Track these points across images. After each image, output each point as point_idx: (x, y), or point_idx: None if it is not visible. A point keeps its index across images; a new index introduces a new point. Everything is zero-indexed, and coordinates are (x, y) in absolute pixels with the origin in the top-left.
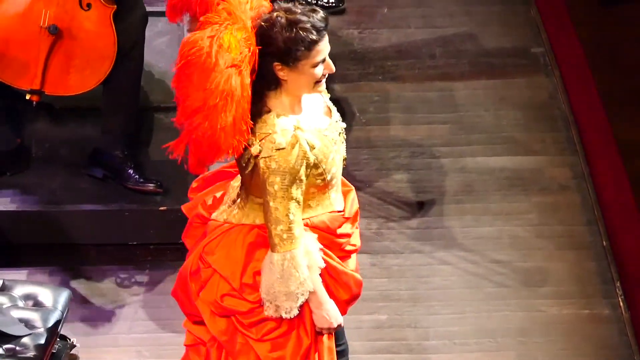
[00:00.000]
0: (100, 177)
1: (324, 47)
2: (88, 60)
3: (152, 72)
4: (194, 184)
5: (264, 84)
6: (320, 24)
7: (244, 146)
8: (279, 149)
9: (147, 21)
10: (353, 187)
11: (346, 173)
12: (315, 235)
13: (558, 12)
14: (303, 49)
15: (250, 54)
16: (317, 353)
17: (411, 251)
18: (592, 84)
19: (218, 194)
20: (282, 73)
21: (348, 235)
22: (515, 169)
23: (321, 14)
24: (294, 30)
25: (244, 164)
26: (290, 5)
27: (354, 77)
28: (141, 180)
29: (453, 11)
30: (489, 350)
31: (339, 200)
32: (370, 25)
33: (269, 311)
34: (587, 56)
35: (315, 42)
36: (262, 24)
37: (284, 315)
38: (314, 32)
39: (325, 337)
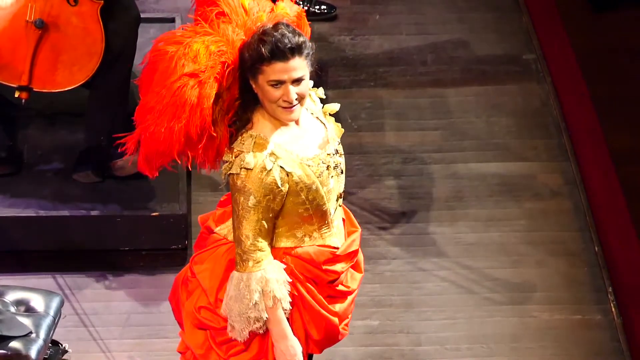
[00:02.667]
0: (89, 172)
1: (281, 68)
2: (76, 55)
3: None
4: (223, 197)
5: (249, 99)
6: (289, 45)
7: (221, 162)
8: (246, 169)
9: (140, 22)
10: (359, 229)
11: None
12: (284, 266)
13: (550, 19)
14: (259, 64)
15: (221, 67)
16: None
17: (403, 257)
18: (584, 90)
19: (228, 209)
20: (254, 86)
21: (337, 273)
22: (507, 176)
23: (299, 38)
24: (258, 42)
25: (223, 179)
26: (276, 23)
27: (346, 83)
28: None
29: (445, 18)
30: (481, 355)
31: (336, 237)
32: (362, 31)
33: (228, 329)
34: (579, 63)
35: (268, 60)
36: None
37: (236, 337)
38: (275, 50)
39: None
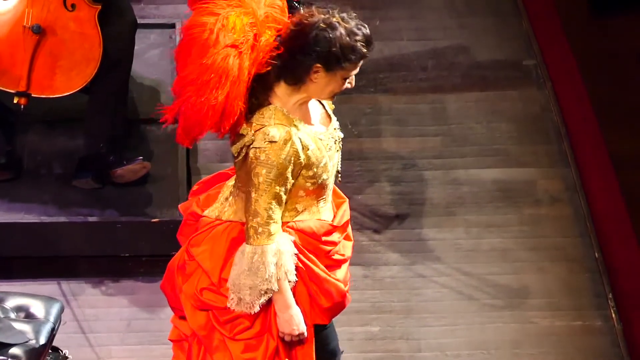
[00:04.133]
0: (89, 179)
1: (359, 66)
2: (74, 61)
3: (143, 83)
4: (194, 187)
5: (282, 76)
6: (370, 40)
7: (237, 135)
8: (271, 142)
9: (137, 27)
10: (347, 199)
11: (338, 184)
12: (293, 238)
13: (550, 24)
14: (353, 59)
15: (252, 39)
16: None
17: (403, 263)
18: (585, 96)
19: (212, 192)
20: (316, 75)
21: (334, 243)
22: (507, 181)
23: (367, 30)
24: (353, 39)
25: (235, 153)
26: (344, 14)
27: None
28: (124, 162)
29: (445, 24)
30: None
31: (328, 211)
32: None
33: (231, 303)
34: (579, 68)
35: (364, 57)
36: (321, 24)
37: (244, 310)
38: (367, 47)
39: (300, 342)
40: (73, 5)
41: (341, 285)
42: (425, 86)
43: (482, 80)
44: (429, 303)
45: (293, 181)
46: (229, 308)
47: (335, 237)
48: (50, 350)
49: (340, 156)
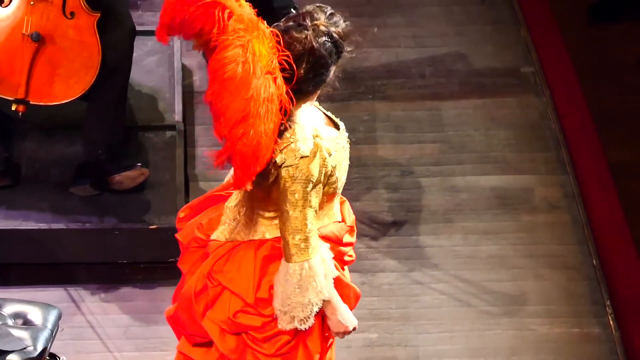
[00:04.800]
0: (87, 185)
1: None
2: (72, 68)
3: (142, 91)
4: (180, 214)
5: (296, 94)
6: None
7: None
8: (302, 157)
9: (135, 34)
10: (345, 198)
11: None
12: (328, 245)
13: (548, 31)
14: (334, 63)
15: (277, 60)
16: None
17: (401, 270)
18: (583, 103)
19: (213, 216)
20: (330, 75)
21: (351, 244)
22: (505, 189)
23: (339, 16)
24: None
25: (261, 177)
26: (325, 20)
27: (344, 96)
28: (122, 169)
29: (443, 31)
30: None
31: (338, 210)
32: (360, 44)
33: (282, 323)
34: (577, 76)
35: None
36: (322, 39)
37: (298, 327)
38: (344, 37)
39: (329, 349)
40: (72, 13)
41: (357, 289)
42: (423, 93)
43: (480, 88)
44: (427, 310)
45: (323, 189)
46: (265, 325)
47: (349, 238)
48: (47, 357)
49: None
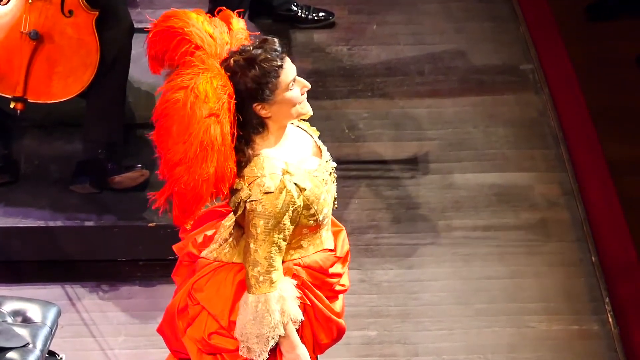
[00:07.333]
0: (87, 184)
1: (289, 68)
2: (71, 67)
3: (140, 88)
4: (187, 225)
5: (251, 129)
6: (276, 48)
7: (231, 190)
8: (266, 193)
9: (133, 32)
10: (343, 227)
11: (334, 211)
12: (295, 282)
13: (547, 29)
14: (272, 79)
15: (227, 100)
16: None
17: (400, 267)
18: (582, 100)
19: (209, 232)
20: (264, 111)
21: (339, 275)
22: (504, 186)
23: (273, 39)
24: (256, 66)
25: (234, 208)
26: (241, 46)
27: (343, 93)
28: (123, 169)
29: (442, 28)
30: None
31: (330, 238)
32: (359, 42)
33: (243, 352)
34: (576, 73)
35: (279, 67)
36: (226, 73)
37: (254, 358)
38: (274, 59)
39: None
40: (71, 11)
41: (342, 322)
42: (422, 90)
43: (479, 85)
44: (426, 307)
45: (292, 227)
46: (238, 350)
47: (339, 268)
48: (47, 355)
49: (336, 184)
